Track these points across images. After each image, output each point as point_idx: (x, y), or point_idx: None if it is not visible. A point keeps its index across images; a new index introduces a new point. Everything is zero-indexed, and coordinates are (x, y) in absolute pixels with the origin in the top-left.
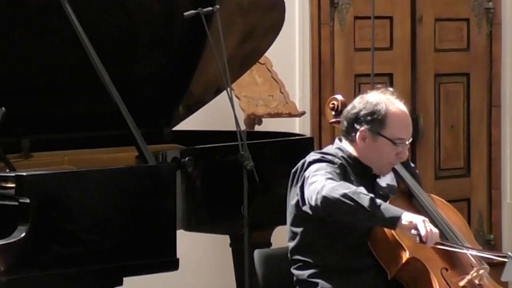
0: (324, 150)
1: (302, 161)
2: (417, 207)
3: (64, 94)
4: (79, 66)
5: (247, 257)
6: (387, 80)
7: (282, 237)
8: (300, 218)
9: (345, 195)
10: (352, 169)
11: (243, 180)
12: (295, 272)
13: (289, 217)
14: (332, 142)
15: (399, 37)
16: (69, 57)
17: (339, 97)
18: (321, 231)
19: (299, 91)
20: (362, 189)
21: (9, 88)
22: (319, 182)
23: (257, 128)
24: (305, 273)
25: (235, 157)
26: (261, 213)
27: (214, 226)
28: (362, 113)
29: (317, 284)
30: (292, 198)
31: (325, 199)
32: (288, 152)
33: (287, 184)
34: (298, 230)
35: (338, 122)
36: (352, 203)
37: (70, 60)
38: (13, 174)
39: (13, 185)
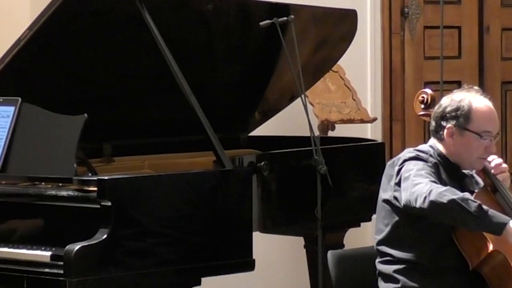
0: (419, 147)
1: (397, 156)
2: (501, 202)
3: (145, 101)
4: (159, 74)
5: (320, 258)
6: (455, 87)
7: (354, 239)
8: (392, 212)
9: (453, 201)
10: (443, 168)
11: (317, 184)
12: (380, 266)
13: (379, 211)
14: (402, 148)
15: (467, 46)
16: (149, 66)
17: (428, 90)
18: (411, 226)
19: (370, 98)
20: (468, 195)
21: (91, 95)
22: (424, 185)
23: (330, 133)
24: (391, 268)
25: (309, 162)
26: (334, 215)
27: (288, 228)
28: (447, 110)
29: (399, 280)
30: (385, 192)
31: (432, 203)
32: (360, 157)
33: (359, 187)
34: (388, 223)
35: (426, 115)
36: (460, 209)
37: (150, 68)
38: (95, 178)
39: (95, 188)
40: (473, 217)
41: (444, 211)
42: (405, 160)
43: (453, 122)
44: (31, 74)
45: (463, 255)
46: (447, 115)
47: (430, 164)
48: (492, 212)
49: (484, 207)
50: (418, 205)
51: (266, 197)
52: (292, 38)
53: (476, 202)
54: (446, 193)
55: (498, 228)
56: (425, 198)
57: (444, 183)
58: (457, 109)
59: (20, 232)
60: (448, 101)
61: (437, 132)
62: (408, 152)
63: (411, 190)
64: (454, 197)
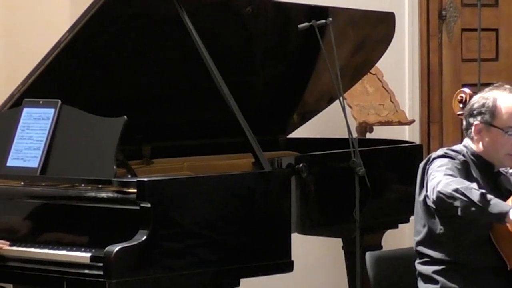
0: (453, 147)
1: (428, 156)
2: None
3: (184, 103)
4: (198, 76)
5: (358, 259)
6: None
7: (392, 240)
8: (427, 212)
9: (457, 190)
10: (476, 166)
11: (355, 186)
12: (419, 267)
13: (416, 212)
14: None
15: (505, 49)
16: (188, 68)
17: (467, 90)
18: (447, 226)
19: (408, 100)
20: (474, 185)
21: (130, 97)
22: (437, 178)
23: (368, 135)
24: (430, 269)
25: (347, 163)
26: (372, 217)
27: (327, 229)
28: (474, 106)
29: (438, 281)
30: (420, 193)
31: (439, 194)
32: (398, 159)
33: (397, 189)
34: (425, 224)
35: None
36: (463, 198)
37: (189, 70)
38: (134, 180)
39: (135, 190)
40: (476, 206)
41: (449, 201)
42: (433, 159)
43: (479, 118)
44: (71, 76)
45: (501, 255)
46: (474, 111)
47: (457, 162)
48: (495, 200)
49: (489, 196)
50: (431, 197)
51: (304, 198)
52: (331, 40)
53: (479, 190)
54: (452, 183)
55: (499, 217)
56: (433, 189)
57: (475, 181)
58: (482, 105)
59: (60, 234)
60: (477, 98)
61: (467, 130)
62: (439, 151)
63: (428, 185)
64: (459, 186)
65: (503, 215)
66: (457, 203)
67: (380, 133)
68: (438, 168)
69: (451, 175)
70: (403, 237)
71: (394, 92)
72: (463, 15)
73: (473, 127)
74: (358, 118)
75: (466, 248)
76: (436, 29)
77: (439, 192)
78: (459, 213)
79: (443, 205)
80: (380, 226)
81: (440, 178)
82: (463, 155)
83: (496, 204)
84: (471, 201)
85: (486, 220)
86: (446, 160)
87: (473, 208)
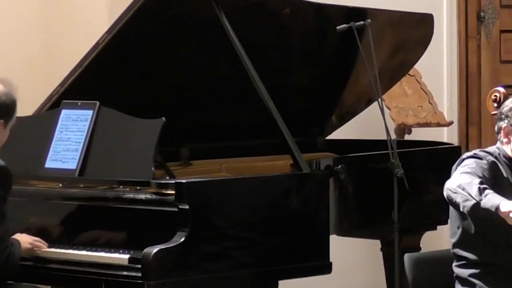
0: (486, 148)
1: (460, 157)
2: None
3: (222, 104)
4: (236, 77)
5: (397, 261)
6: None
7: (431, 242)
8: (460, 213)
9: (459, 185)
10: (508, 167)
11: (394, 187)
12: (456, 270)
13: (451, 213)
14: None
15: None
16: (227, 69)
17: (501, 89)
18: (478, 227)
19: (447, 101)
20: (477, 181)
21: (169, 98)
22: (452, 176)
23: (407, 137)
24: (466, 272)
25: (385, 165)
26: (411, 218)
27: (365, 231)
28: (504, 110)
29: (475, 285)
30: None
31: (447, 190)
32: (437, 160)
33: (436, 190)
34: (459, 225)
35: None
36: (463, 193)
37: (227, 71)
38: (173, 182)
39: (173, 192)
40: (472, 200)
41: (453, 196)
42: (463, 159)
43: (507, 121)
44: (109, 78)
45: None
46: (502, 115)
47: (484, 162)
48: (491, 195)
49: (487, 190)
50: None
51: (343, 200)
52: (369, 42)
53: (478, 185)
54: (458, 180)
55: (492, 212)
56: (443, 187)
57: (505, 182)
58: (510, 109)
59: (98, 235)
60: (507, 102)
61: (498, 133)
62: (470, 152)
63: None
64: (462, 181)
65: (496, 209)
66: (458, 198)
67: (418, 134)
68: (461, 168)
69: (468, 173)
70: (441, 238)
71: (433, 94)
72: (502, 16)
73: (502, 130)
74: (396, 120)
75: (500, 250)
76: (474, 31)
77: (447, 188)
78: (461, 208)
79: (451, 202)
80: (419, 227)
81: (454, 176)
82: (495, 157)
83: (491, 198)
84: (469, 195)
85: (483, 214)
86: (472, 160)
87: (470, 202)
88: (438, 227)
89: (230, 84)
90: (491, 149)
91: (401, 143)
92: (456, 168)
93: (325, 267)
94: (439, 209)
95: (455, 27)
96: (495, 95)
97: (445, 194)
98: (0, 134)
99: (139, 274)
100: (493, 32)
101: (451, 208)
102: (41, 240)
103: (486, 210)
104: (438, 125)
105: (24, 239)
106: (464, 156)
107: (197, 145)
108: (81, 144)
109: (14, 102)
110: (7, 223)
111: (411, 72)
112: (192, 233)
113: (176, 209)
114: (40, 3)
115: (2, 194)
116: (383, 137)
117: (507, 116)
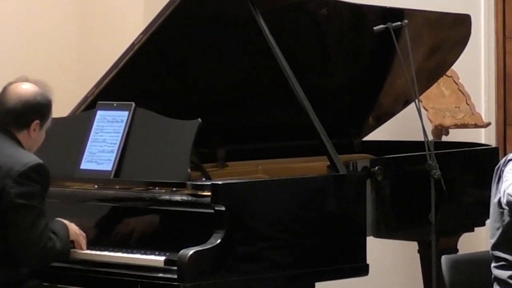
0: None
1: (504, 157)
2: None
3: (258, 105)
4: (272, 79)
5: (434, 263)
6: None
7: (468, 244)
8: (501, 215)
9: None
10: None
11: (431, 189)
12: (495, 271)
13: (491, 214)
14: None
15: None
16: (263, 70)
17: None
18: None
19: (484, 102)
20: None
21: (204, 99)
22: (509, 180)
23: (444, 138)
24: (506, 273)
25: (423, 166)
26: (448, 220)
27: (402, 233)
28: None
29: None
30: (494, 195)
31: (508, 197)
32: (474, 162)
33: (473, 192)
34: (499, 227)
35: None
36: None
37: (264, 72)
38: (209, 183)
39: (209, 193)
40: None
41: None
42: (509, 160)
43: None
44: (145, 79)
45: None
46: None
47: None
48: None
49: None
50: (504, 201)
51: (379, 201)
52: (406, 43)
53: None
54: None
55: None
56: (504, 192)
57: None
58: None
59: (134, 237)
60: None
61: None
62: None
63: (501, 187)
64: None
65: None
66: None
67: (455, 135)
68: (511, 170)
69: None
70: (479, 240)
71: (470, 95)
72: None
73: None
74: (433, 121)
75: None
76: None
77: (508, 195)
78: None
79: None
80: (456, 229)
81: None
82: None
83: None
84: None
85: None
86: None
87: None
88: (476, 229)
89: (267, 85)
90: None
91: (438, 145)
92: (501, 169)
93: (362, 269)
94: (476, 211)
95: (492, 27)
96: None
97: (504, 200)
98: (36, 135)
99: (175, 276)
100: None
101: (491, 208)
102: (84, 236)
103: None
104: (476, 126)
105: (73, 228)
106: (510, 156)
107: (233, 146)
108: (117, 145)
109: (49, 102)
110: (46, 219)
111: (448, 73)
112: (228, 235)
113: (212, 211)
114: (75, 5)
115: (41, 191)
116: (420, 138)
117: None
